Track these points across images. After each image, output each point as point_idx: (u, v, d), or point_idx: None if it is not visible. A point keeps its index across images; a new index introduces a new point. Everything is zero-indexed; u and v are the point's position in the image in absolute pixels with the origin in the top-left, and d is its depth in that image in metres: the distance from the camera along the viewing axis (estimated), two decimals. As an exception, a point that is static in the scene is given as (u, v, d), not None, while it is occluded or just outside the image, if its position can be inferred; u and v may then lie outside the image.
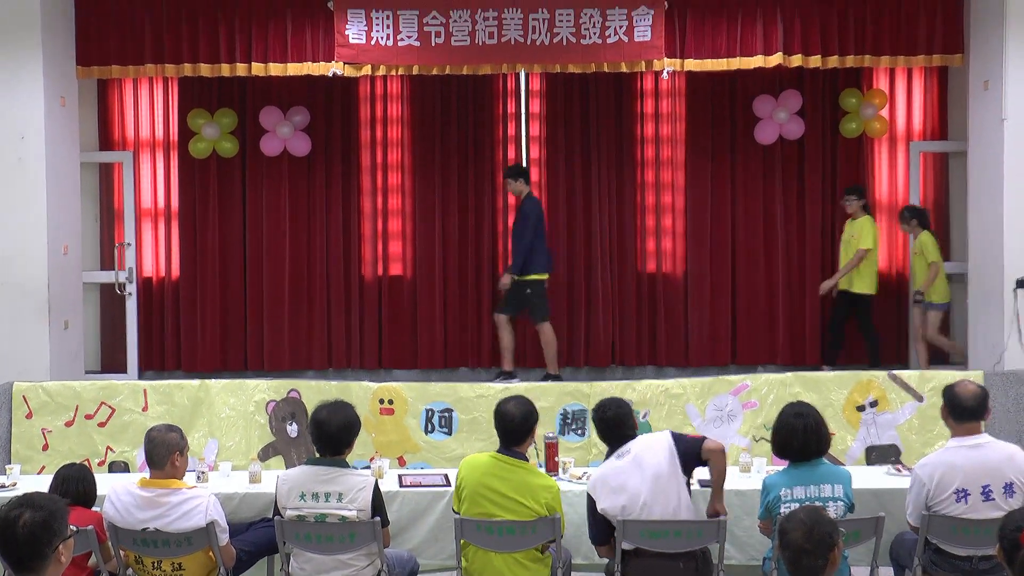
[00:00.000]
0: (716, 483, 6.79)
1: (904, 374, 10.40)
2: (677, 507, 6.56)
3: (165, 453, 6.56)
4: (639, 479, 6.56)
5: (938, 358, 12.36)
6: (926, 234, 12.03)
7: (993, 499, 6.42)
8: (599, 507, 6.67)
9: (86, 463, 7.94)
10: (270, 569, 7.62)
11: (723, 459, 6.73)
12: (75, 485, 6.75)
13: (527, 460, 6.87)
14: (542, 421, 9.66)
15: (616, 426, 6.87)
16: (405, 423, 10.20)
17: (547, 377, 11.92)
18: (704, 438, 6.75)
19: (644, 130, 13.10)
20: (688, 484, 6.68)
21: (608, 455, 6.86)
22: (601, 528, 6.74)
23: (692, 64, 11.78)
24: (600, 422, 6.95)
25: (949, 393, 6.77)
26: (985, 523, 6.31)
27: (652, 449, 6.64)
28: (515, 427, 6.79)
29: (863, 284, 12.27)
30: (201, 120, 12.78)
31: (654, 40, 11.64)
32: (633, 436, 6.82)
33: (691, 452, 6.63)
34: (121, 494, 6.57)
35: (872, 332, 12.44)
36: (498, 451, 6.81)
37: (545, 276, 12.12)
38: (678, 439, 6.68)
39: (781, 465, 6.88)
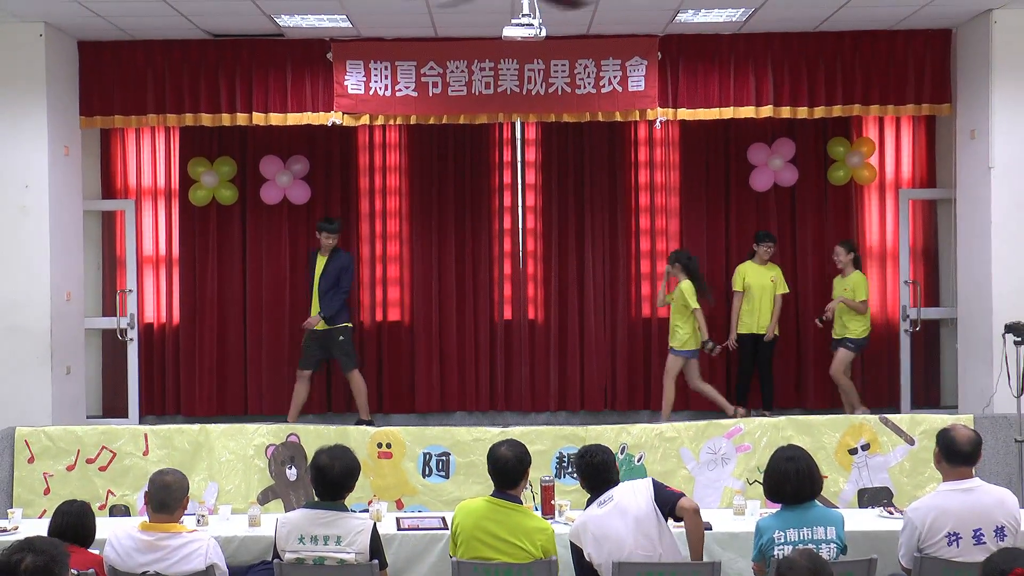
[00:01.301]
0: (691, 543, 6.82)
1: (895, 417, 10.42)
2: (662, 550, 6.63)
3: (180, 497, 6.62)
4: (622, 525, 6.61)
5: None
6: (687, 283, 12.14)
7: (984, 543, 6.39)
8: (585, 553, 6.73)
9: (87, 504, 7.96)
10: (269, 611, 7.65)
11: (697, 519, 6.76)
12: (74, 520, 6.68)
13: (521, 503, 6.89)
14: (538, 464, 9.73)
15: (602, 471, 6.91)
16: (403, 467, 10.21)
17: (360, 422, 12.13)
18: (682, 495, 6.80)
19: (638, 178, 13.22)
20: (668, 526, 6.76)
21: (590, 502, 6.90)
22: (588, 575, 6.83)
23: (685, 113, 11.95)
24: (587, 467, 6.96)
25: (945, 437, 6.73)
26: (976, 566, 6.24)
27: (633, 495, 6.72)
28: (509, 470, 6.80)
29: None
30: (201, 168, 12.88)
31: (647, 90, 11.80)
32: (616, 483, 6.89)
33: (666, 504, 6.71)
34: (122, 538, 6.57)
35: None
36: (492, 495, 6.84)
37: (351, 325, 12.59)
38: (658, 488, 6.77)
39: (774, 508, 6.89)
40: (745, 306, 12.53)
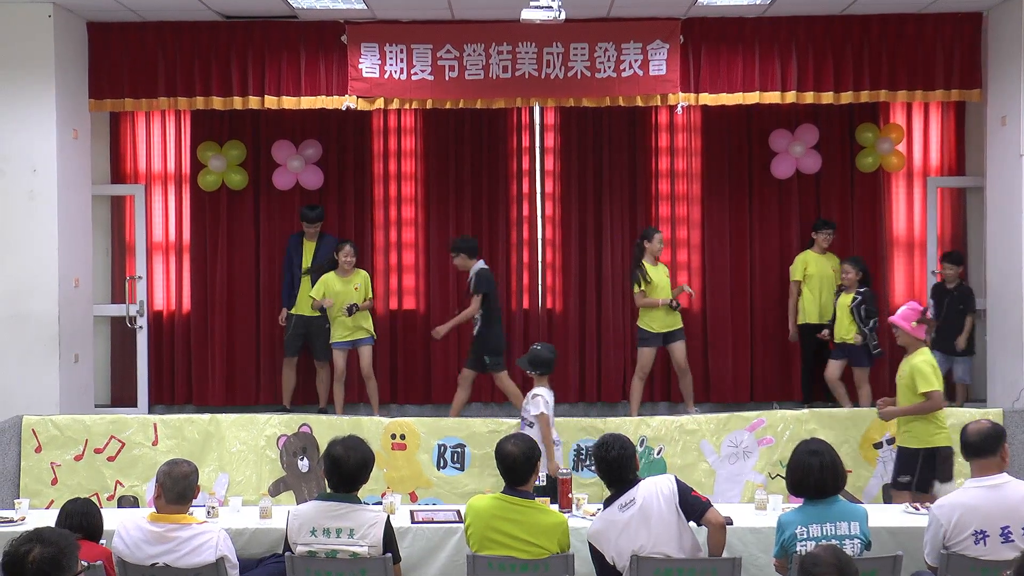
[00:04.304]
0: (710, 551, 6.69)
1: (921, 411, 10.29)
2: (684, 555, 6.51)
3: (195, 488, 6.62)
4: (645, 533, 6.49)
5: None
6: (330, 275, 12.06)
7: (1012, 540, 6.30)
8: (608, 557, 6.59)
9: (94, 497, 7.87)
10: (280, 606, 7.53)
11: (723, 534, 6.63)
12: (80, 519, 6.65)
13: (534, 498, 6.80)
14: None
15: (619, 468, 6.73)
16: (417, 458, 10.15)
17: (321, 412, 12.21)
18: (709, 505, 6.63)
19: (659, 164, 13.07)
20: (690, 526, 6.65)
21: (610, 500, 6.72)
22: (610, 574, 6.66)
23: (707, 98, 11.83)
24: (602, 462, 6.78)
25: (962, 431, 6.71)
26: (1004, 564, 6.18)
27: (656, 497, 6.56)
28: (517, 466, 6.72)
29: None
30: (210, 152, 12.78)
31: (669, 74, 11.67)
32: (635, 480, 6.70)
33: (692, 511, 6.58)
34: (131, 529, 6.52)
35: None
36: (503, 491, 6.74)
37: None
38: (683, 492, 6.60)
39: (797, 502, 6.80)
40: (808, 295, 12.33)
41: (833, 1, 11.35)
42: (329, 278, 11.95)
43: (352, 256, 11.99)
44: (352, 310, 11.85)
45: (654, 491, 6.58)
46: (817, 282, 12.27)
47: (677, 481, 6.68)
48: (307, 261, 12.42)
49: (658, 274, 11.88)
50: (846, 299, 11.59)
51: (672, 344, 11.92)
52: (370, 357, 12.15)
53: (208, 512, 7.91)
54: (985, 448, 6.58)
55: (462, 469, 10.16)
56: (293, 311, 12.47)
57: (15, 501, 8.55)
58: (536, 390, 9.41)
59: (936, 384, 8.99)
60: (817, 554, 5.16)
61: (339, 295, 11.91)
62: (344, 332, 12.02)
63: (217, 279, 13.01)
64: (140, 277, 12.81)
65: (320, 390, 12.58)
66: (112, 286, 12.99)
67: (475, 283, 11.40)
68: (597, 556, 6.69)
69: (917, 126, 12.96)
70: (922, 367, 9.00)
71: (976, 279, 12.51)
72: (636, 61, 11.66)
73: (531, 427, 9.30)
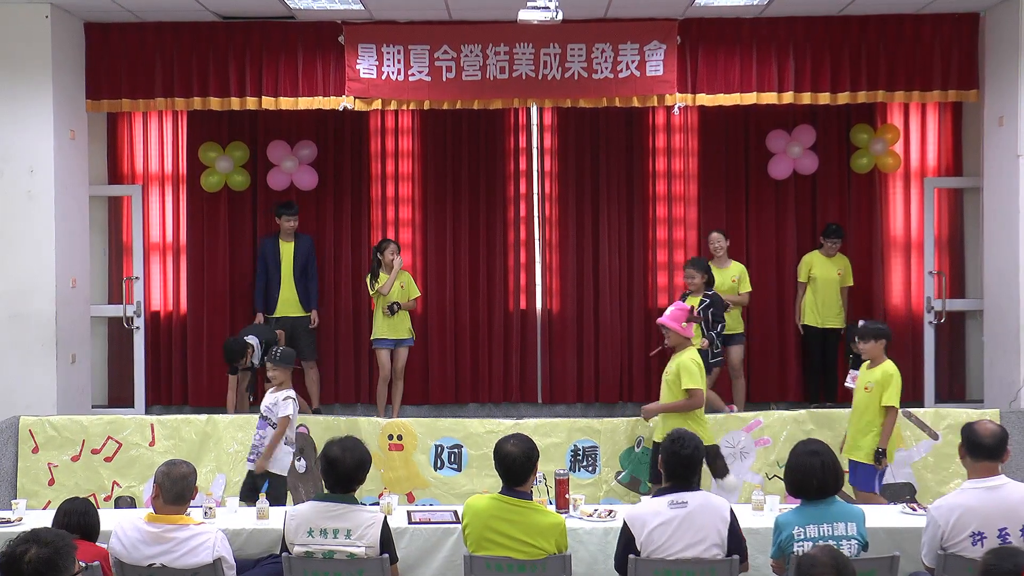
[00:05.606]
0: None
1: (919, 412, 10.30)
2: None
3: (193, 488, 6.61)
4: (678, 537, 6.40)
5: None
6: None
7: (1010, 542, 6.28)
8: (637, 542, 6.47)
9: (92, 498, 7.85)
10: (277, 606, 7.51)
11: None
12: (77, 519, 6.63)
13: (531, 498, 6.77)
14: (553, 457, 9.66)
15: (687, 466, 6.61)
16: (414, 459, 10.14)
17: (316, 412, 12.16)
18: (745, 556, 6.54)
19: (656, 165, 13.06)
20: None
21: (662, 492, 6.63)
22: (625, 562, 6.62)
23: (704, 99, 11.80)
24: (673, 455, 6.63)
25: (967, 431, 6.66)
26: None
27: (707, 514, 6.47)
28: (517, 467, 6.66)
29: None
30: (213, 154, 12.75)
31: (666, 75, 11.65)
32: (696, 485, 6.62)
33: (735, 551, 6.49)
34: (128, 529, 6.51)
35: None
36: (502, 492, 6.71)
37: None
38: (733, 528, 6.50)
39: (794, 503, 6.77)
40: (809, 297, 12.38)
41: (830, 1, 11.33)
42: (380, 277, 11.98)
43: (397, 254, 12.03)
44: (394, 309, 11.87)
45: (708, 507, 6.50)
46: (821, 284, 12.27)
47: (732, 512, 6.58)
48: (286, 263, 12.38)
49: (720, 277, 11.82)
50: (693, 303, 11.15)
51: (730, 347, 11.87)
52: (405, 358, 12.18)
53: (205, 513, 7.88)
54: (997, 451, 6.57)
55: (459, 470, 10.15)
56: (276, 314, 12.43)
57: (12, 502, 8.54)
58: (289, 392, 9.27)
59: (700, 382, 9.06)
60: (814, 555, 5.17)
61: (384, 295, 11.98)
62: (387, 331, 12.04)
63: (215, 280, 12.99)
64: (137, 278, 12.79)
65: (311, 391, 12.50)
66: (109, 287, 12.97)
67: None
68: (623, 537, 6.58)
69: (914, 127, 12.94)
70: (688, 364, 9.06)
71: (973, 279, 12.54)
72: (633, 62, 11.65)
73: (273, 427, 9.17)
